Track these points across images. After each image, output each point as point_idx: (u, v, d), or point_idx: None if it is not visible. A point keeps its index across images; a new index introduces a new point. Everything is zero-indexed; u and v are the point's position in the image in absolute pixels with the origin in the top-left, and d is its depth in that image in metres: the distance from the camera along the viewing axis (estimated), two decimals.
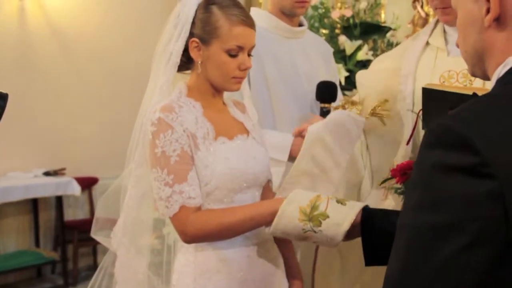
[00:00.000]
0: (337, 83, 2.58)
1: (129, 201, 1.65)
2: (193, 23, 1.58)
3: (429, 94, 1.61)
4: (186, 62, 1.62)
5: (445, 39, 1.90)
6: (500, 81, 0.92)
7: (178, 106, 1.55)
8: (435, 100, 1.56)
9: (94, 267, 5.17)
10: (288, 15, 2.33)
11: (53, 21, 5.11)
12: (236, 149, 1.59)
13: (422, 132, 1.72)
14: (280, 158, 2.15)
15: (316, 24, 4.56)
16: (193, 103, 1.59)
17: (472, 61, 1.00)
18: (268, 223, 1.49)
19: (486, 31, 0.94)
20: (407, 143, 1.76)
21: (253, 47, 1.61)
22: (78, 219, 5.19)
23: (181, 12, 1.60)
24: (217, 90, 1.64)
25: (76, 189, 4.82)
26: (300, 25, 2.42)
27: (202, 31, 1.57)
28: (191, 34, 1.58)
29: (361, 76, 2.10)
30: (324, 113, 2.22)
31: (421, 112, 1.70)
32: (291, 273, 1.74)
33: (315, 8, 4.58)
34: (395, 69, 1.92)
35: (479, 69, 1.00)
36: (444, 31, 1.90)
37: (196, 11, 1.59)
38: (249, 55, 1.61)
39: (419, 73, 1.87)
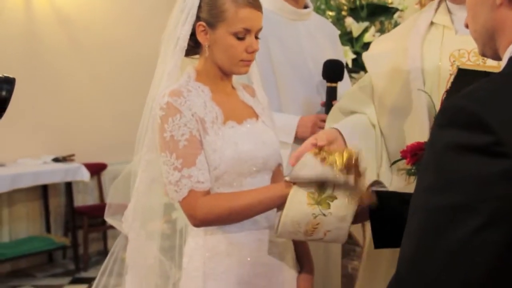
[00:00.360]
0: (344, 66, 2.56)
1: (139, 186, 1.65)
2: (199, 7, 1.58)
3: (464, 74, 1.57)
4: (193, 47, 1.62)
5: (451, 18, 1.85)
6: (510, 59, 0.91)
7: (187, 91, 1.55)
8: (470, 81, 1.53)
9: (104, 252, 5.23)
10: None
11: (61, 10, 5.11)
12: (245, 133, 1.59)
13: None
14: (285, 140, 2.15)
15: (323, 6, 4.52)
16: (201, 87, 1.59)
17: (482, 41, 1.00)
18: (277, 206, 1.49)
19: (498, 9, 0.94)
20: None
21: (260, 29, 1.60)
22: (88, 204, 5.23)
23: None
24: (225, 74, 1.63)
25: (85, 175, 4.85)
26: (306, 7, 2.39)
27: (208, 14, 1.57)
28: (198, 18, 1.58)
29: (366, 60, 2.04)
30: (330, 91, 2.24)
31: (445, 94, 1.67)
32: (302, 259, 1.74)
33: None
34: (401, 49, 1.88)
35: (489, 49, 0.99)
36: (449, 10, 1.86)
37: None
38: (256, 37, 1.60)
39: (427, 52, 1.83)
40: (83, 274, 4.85)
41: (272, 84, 2.24)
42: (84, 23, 5.21)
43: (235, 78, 1.69)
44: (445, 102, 0.88)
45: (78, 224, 4.99)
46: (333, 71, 2.26)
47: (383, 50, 1.97)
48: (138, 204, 1.66)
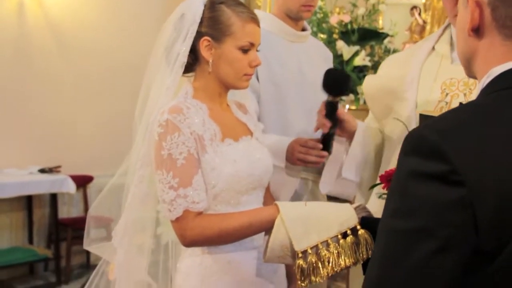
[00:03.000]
0: None
1: (132, 200, 1.64)
2: (200, 22, 1.58)
3: (425, 119, 1.62)
4: (191, 64, 1.62)
5: (451, 46, 1.90)
6: (483, 91, 0.95)
7: (186, 108, 1.55)
8: None
9: (87, 265, 5.18)
10: (294, 19, 2.31)
11: (52, 17, 5.11)
12: (242, 151, 1.60)
13: None
14: (277, 163, 2.11)
15: (315, 29, 4.58)
16: (199, 105, 1.59)
17: (463, 64, 1.04)
18: (267, 229, 1.49)
19: (469, 38, 0.98)
20: None
21: (259, 44, 1.63)
22: (72, 216, 5.19)
23: (186, 13, 1.60)
24: (227, 88, 1.65)
25: (71, 187, 4.82)
26: (304, 29, 2.41)
27: (213, 29, 1.58)
28: (199, 34, 1.58)
29: (367, 83, 2.10)
30: (329, 106, 1.95)
31: None
32: (290, 274, 1.76)
33: (313, 12, 4.60)
34: (401, 76, 1.93)
35: (470, 72, 1.04)
36: (451, 39, 1.91)
37: (203, 11, 1.59)
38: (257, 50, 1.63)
39: (422, 80, 1.89)
40: (64, 287, 4.80)
41: (275, 105, 2.24)
42: (74, 30, 5.19)
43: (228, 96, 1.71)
44: (410, 131, 0.92)
45: (62, 236, 4.94)
46: (334, 81, 1.95)
47: (387, 74, 2.03)
48: (130, 219, 1.65)
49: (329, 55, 2.58)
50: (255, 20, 1.60)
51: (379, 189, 1.61)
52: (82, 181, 5.17)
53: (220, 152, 1.55)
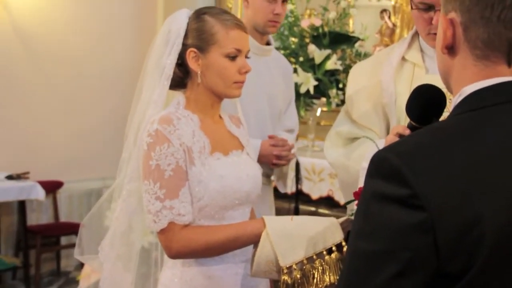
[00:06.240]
0: (293, 101, 2.67)
1: (119, 215, 1.63)
2: (185, 35, 1.59)
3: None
4: (182, 77, 1.62)
5: (422, 54, 1.90)
6: (453, 110, 0.96)
7: (177, 118, 1.55)
8: None
9: (57, 272, 5.08)
10: (260, 33, 2.41)
11: (19, 22, 5.01)
12: (231, 166, 1.59)
13: None
14: None
15: (286, 33, 4.59)
16: (190, 116, 1.59)
17: (443, 81, 1.04)
18: (253, 243, 1.49)
19: (444, 55, 0.99)
20: None
21: (249, 50, 1.62)
22: (42, 223, 5.09)
23: (171, 27, 1.60)
24: (219, 98, 1.63)
25: (40, 193, 4.72)
26: (268, 43, 2.49)
27: (197, 40, 1.58)
28: (184, 46, 1.58)
29: (347, 102, 2.07)
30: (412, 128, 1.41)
31: None
32: None
33: (285, 16, 4.61)
34: (377, 83, 1.93)
35: (449, 89, 1.04)
36: (421, 49, 1.91)
37: (187, 23, 1.60)
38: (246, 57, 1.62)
39: (398, 90, 1.88)
40: None
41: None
42: (42, 35, 5.09)
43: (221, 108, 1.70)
44: (375, 153, 0.92)
45: (31, 244, 4.84)
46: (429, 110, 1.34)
47: (362, 82, 2.01)
48: (117, 233, 1.64)
49: (290, 69, 2.69)
50: (240, 26, 1.59)
51: (354, 206, 1.61)
52: (52, 187, 5.07)
53: (208, 166, 1.54)
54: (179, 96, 1.63)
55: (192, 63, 1.58)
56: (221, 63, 1.57)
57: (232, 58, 1.57)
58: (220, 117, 1.69)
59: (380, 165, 0.87)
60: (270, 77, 2.47)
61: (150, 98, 1.60)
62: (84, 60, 5.30)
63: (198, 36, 1.58)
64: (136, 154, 1.57)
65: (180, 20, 1.60)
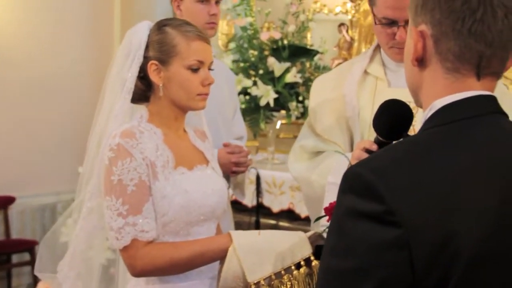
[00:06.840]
0: (238, 108, 2.69)
1: (79, 233, 1.58)
2: (146, 47, 1.56)
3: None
4: (145, 91, 1.58)
5: (384, 67, 1.90)
6: (424, 124, 0.96)
7: (139, 132, 1.51)
8: None
9: None
10: None
11: None
12: (195, 181, 1.56)
13: None
14: None
15: (245, 45, 4.59)
16: (154, 129, 1.55)
17: (411, 94, 1.04)
18: (220, 259, 1.47)
19: (414, 68, 0.98)
20: None
21: (212, 62, 1.60)
22: None
23: (132, 39, 1.57)
24: (183, 111, 1.60)
25: None
26: None
27: (159, 52, 1.55)
28: (146, 58, 1.55)
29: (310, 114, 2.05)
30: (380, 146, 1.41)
31: None
32: None
33: (244, 29, 4.61)
34: (340, 96, 1.92)
35: (418, 103, 1.04)
36: (383, 62, 1.91)
37: (148, 35, 1.57)
38: (209, 69, 1.59)
39: (361, 103, 1.88)
40: None
41: None
42: None
43: (186, 122, 1.67)
44: (348, 168, 0.90)
45: None
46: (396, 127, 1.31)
47: (323, 100, 2.00)
48: (77, 252, 1.59)
49: (232, 76, 2.71)
50: (202, 38, 1.57)
51: (324, 221, 1.60)
52: (3, 202, 4.90)
53: (172, 181, 1.51)
54: (142, 109, 1.60)
55: (153, 76, 1.55)
56: (184, 75, 1.54)
57: (195, 70, 1.55)
58: (185, 130, 1.66)
59: (354, 181, 0.86)
60: (216, 85, 2.48)
61: (110, 111, 1.57)
62: (34, 64, 4.98)
63: (159, 48, 1.55)
64: (97, 170, 1.53)
65: (141, 33, 1.58)
